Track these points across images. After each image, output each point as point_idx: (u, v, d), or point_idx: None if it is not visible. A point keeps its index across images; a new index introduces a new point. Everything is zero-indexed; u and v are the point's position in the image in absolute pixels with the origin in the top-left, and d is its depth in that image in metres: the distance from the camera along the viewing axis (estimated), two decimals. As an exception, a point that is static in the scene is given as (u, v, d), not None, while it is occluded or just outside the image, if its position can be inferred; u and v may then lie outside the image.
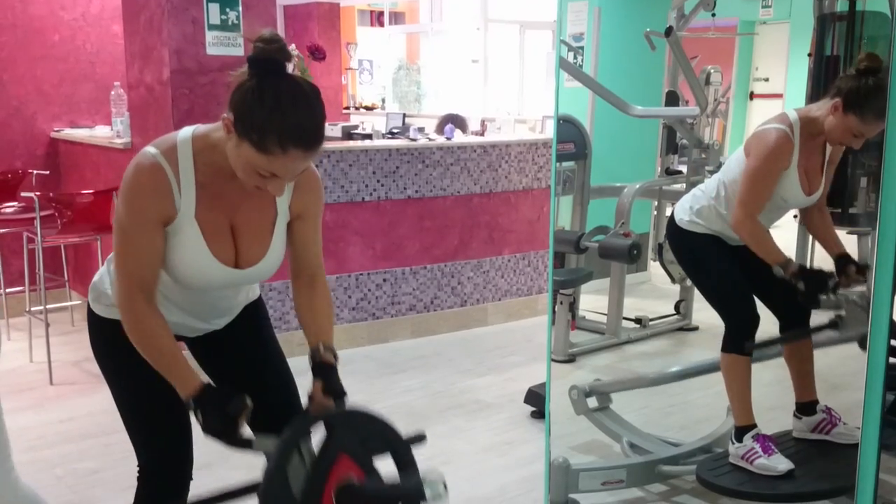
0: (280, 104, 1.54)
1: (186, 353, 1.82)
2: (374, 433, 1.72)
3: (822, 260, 3.36)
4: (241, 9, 4.08)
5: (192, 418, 1.73)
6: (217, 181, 1.71)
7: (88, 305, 1.93)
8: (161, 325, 1.72)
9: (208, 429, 1.66)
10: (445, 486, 1.66)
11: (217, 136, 1.67)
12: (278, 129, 1.53)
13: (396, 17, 12.61)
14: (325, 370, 1.80)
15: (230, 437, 1.67)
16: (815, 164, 2.71)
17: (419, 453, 1.73)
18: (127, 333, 1.73)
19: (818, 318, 2.84)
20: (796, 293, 2.63)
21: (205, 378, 1.74)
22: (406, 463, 1.72)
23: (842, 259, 2.74)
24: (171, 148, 1.69)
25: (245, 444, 1.67)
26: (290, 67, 1.60)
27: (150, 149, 1.69)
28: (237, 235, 1.77)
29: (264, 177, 1.60)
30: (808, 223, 2.86)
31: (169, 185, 1.67)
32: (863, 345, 2.68)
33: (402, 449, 1.72)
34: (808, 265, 2.70)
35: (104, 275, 1.90)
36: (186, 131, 1.72)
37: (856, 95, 2.49)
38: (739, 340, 2.76)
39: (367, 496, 1.66)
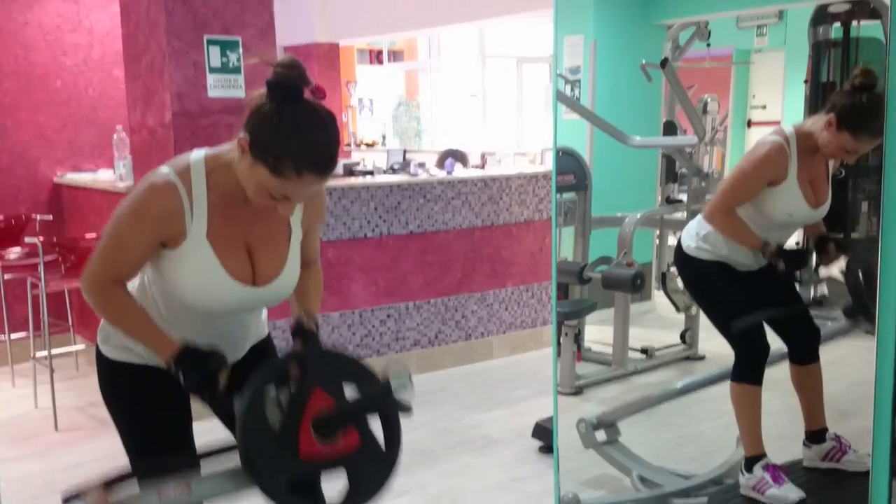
0: (297, 130, 1.57)
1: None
2: (345, 368, 1.73)
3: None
4: (241, 51, 4.12)
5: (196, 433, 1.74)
6: (230, 201, 1.72)
7: (97, 347, 1.91)
8: (133, 301, 1.76)
9: (190, 386, 1.69)
10: (410, 377, 1.65)
11: (229, 157, 1.69)
12: (294, 155, 1.56)
13: (395, 56, 12.73)
14: (305, 334, 1.83)
15: (211, 391, 1.68)
16: (820, 176, 2.71)
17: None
18: (96, 310, 1.76)
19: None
20: (782, 273, 2.68)
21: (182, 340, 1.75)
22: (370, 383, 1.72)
23: (821, 239, 2.80)
24: (184, 168, 1.70)
25: (227, 402, 1.67)
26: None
27: (164, 168, 1.71)
28: (253, 253, 1.78)
29: (276, 199, 1.63)
30: None
31: (181, 206, 1.68)
32: (847, 314, 2.79)
33: (370, 379, 1.71)
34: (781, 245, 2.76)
35: None
36: (198, 153, 1.74)
37: (850, 113, 2.51)
38: (749, 370, 2.73)
39: (341, 416, 1.65)
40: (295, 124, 1.57)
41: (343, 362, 1.76)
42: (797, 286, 2.84)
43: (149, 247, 1.71)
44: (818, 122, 2.60)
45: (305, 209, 1.84)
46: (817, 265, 2.79)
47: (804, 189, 2.66)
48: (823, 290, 2.86)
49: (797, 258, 2.70)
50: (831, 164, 2.74)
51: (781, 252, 2.67)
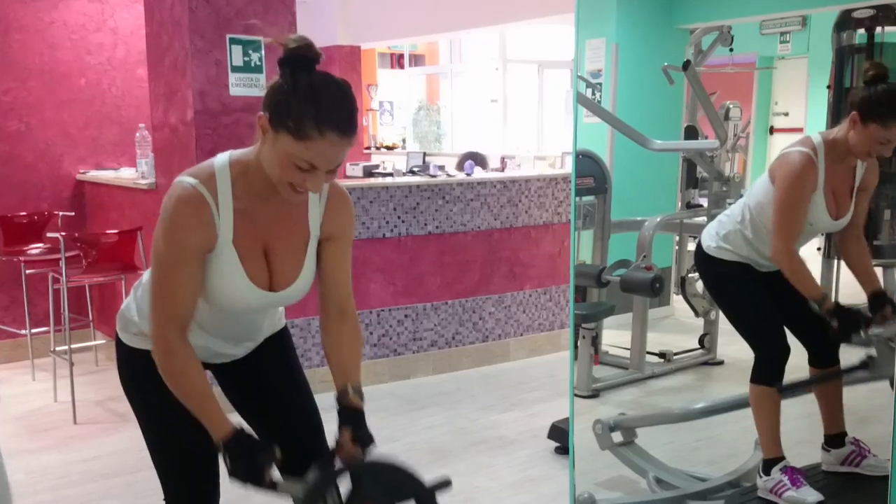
0: (314, 91, 1.58)
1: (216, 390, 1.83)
2: (399, 483, 1.71)
3: (847, 296, 3.33)
4: (263, 51, 4.15)
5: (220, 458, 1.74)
6: (252, 205, 1.72)
7: (116, 335, 1.92)
8: (194, 364, 1.72)
9: (236, 474, 1.67)
10: None
11: (251, 159, 1.69)
12: (314, 113, 1.57)
13: (416, 60, 12.77)
14: (353, 417, 1.79)
15: (254, 484, 1.67)
16: (844, 188, 2.67)
17: (443, 491, 1.72)
18: (159, 370, 1.72)
19: (848, 355, 2.80)
20: (828, 327, 2.59)
21: (235, 421, 1.73)
22: None
23: (877, 297, 2.67)
24: (209, 176, 1.70)
25: (271, 487, 1.67)
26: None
27: (189, 179, 1.69)
28: (270, 258, 1.78)
29: (303, 170, 1.60)
30: (845, 253, 2.81)
31: (211, 214, 1.68)
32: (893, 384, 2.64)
33: (426, 497, 1.70)
34: (838, 300, 2.64)
35: (131, 302, 1.90)
36: (222, 158, 1.73)
37: (869, 103, 2.49)
38: (769, 372, 2.71)
39: None
40: (311, 86, 1.59)
41: (398, 477, 1.72)
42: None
43: (196, 261, 1.69)
44: (843, 127, 2.58)
45: (327, 211, 1.83)
46: (868, 323, 2.59)
47: (827, 200, 2.63)
48: (872, 350, 2.71)
49: (852, 321, 2.57)
50: (858, 173, 2.70)
51: (837, 310, 2.57)
